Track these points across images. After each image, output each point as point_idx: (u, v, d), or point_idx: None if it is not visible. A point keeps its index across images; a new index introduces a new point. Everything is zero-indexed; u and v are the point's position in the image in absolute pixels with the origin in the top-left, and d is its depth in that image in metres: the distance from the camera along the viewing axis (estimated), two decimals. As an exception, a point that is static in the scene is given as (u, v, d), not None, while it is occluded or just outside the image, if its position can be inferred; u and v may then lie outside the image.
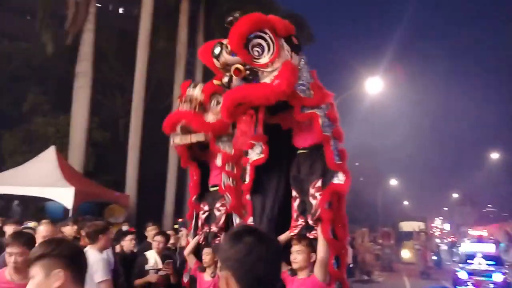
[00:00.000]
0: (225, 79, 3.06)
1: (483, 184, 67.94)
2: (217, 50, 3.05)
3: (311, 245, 3.06)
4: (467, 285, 13.56)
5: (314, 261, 3.03)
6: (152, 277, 4.80)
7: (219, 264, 3.37)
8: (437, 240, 27.00)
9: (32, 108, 14.84)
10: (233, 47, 2.91)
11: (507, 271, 13.83)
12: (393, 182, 55.17)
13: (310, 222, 3.10)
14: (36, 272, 1.74)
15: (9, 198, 10.06)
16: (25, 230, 4.49)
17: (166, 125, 3.88)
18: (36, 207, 11.13)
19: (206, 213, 4.02)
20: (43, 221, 6.40)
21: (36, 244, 3.74)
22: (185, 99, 3.81)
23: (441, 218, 75.62)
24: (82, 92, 12.59)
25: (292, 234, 3.14)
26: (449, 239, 39.53)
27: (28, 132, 14.40)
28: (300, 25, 27.75)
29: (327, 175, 3.09)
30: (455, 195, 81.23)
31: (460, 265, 14.63)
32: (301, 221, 3.15)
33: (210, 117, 3.79)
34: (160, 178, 16.30)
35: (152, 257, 5.04)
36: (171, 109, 16.66)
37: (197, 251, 4.11)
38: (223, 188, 3.70)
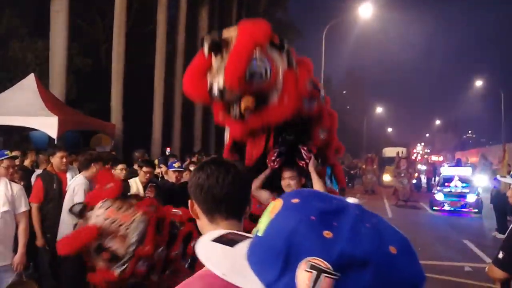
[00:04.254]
0: (235, 112, 2.92)
1: (465, 111, 69.27)
2: (217, 93, 2.81)
3: (301, 170, 3.28)
4: (444, 206, 14.45)
5: (303, 184, 3.24)
6: None
7: None
8: (418, 166, 28.16)
9: (7, 32, 14.02)
10: (235, 89, 2.77)
11: (480, 192, 14.72)
12: (379, 110, 55.65)
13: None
14: None
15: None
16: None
17: None
18: (20, 137, 10.98)
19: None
20: (29, 150, 6.42)
21: None
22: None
23: (423, 144, 77.92)
24: (60, 16, 11.86)
25: (272, 164, 3.27)
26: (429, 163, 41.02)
27: (5, 58, 13.76)
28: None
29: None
30: (437, 122, 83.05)
31: (438, 187, 15.40)
32: (276, 151, 3.28)
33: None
34: (147, 105, 16.09)
35: (135, 185, 5.07)
36: (155, 35, 16.03)
37: None
38: None
